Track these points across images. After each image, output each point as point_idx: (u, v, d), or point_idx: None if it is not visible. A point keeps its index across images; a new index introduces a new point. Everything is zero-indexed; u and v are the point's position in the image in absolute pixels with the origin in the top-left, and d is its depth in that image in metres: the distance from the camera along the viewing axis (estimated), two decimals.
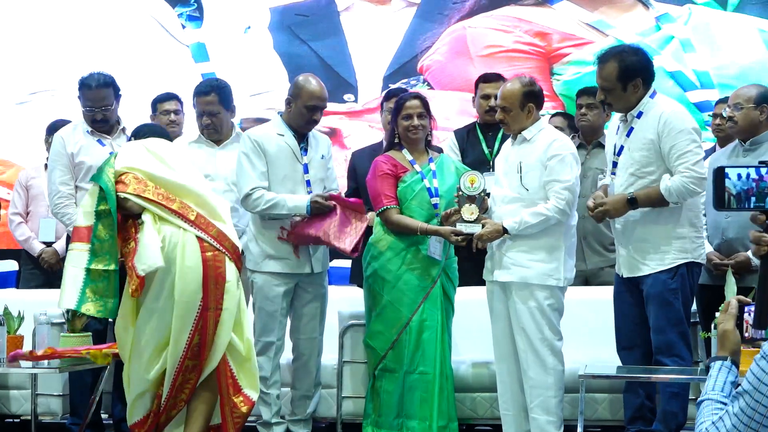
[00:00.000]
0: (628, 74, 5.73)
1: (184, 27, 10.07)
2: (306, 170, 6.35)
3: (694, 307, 6.12)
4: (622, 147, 5.83)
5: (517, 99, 5.90)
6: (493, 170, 6.31)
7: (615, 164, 5.87)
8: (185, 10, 10.07)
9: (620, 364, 5.92)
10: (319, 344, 6.48)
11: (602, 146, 7.00)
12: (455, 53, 9.83)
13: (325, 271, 6.55)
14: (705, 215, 6.11)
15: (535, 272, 5.86)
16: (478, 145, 7.03)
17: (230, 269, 5.44)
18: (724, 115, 6.22)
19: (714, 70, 9.49)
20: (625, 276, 5.85)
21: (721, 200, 3.53)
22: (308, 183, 6.33)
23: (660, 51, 9.47)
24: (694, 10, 9.64)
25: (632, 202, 5.74)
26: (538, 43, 9.71)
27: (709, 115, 7.75)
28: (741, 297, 3.21)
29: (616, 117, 6.05)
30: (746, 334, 3.22)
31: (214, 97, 6.65)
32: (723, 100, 7.16)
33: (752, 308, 3.25)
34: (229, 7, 10.08)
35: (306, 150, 6.38)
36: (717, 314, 3.32)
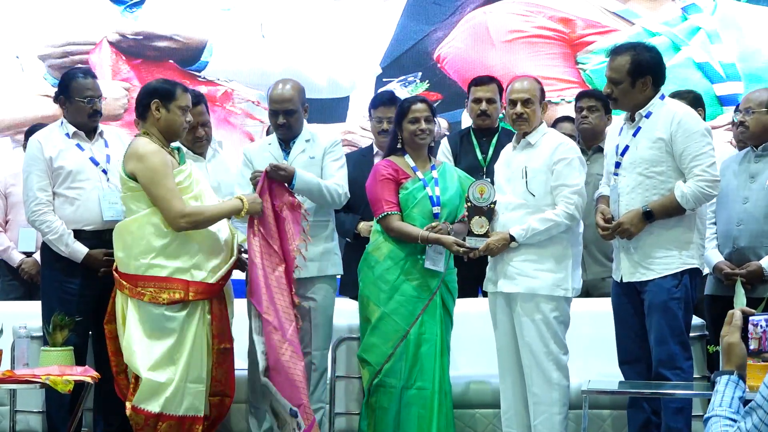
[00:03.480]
0: (639, 70, 5.61)
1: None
2: None
3: (698, 320, 6.05)
4: (627, 147, 5.67)
5: (538, 93, 5.84)
6: (487, 177, 6.19)
7: (618, 164, 5.70)
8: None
9: (623, 378, 5.74)
10: (314, 359, 6.15)
11: (603, 151, 6.77)
12: (475, 40, 9.67)
13: (324, 277, 6.19)
14: (715, 224, 6.02)
15: (542, 283, 5.70)
16: (471, 151, 6.81)
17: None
18: (735, 120, 6.11)
19: (740, 62, 9.40)
20: (625, 281, 5.68)
21: None
22: None
23: (687, 41, 9.39)
24: (720, 0, 9.50)
25: (649, 215, 5.55)
26: (561, 29, 9.57)
27: (734, 111, 7.51)
28: (745, 308, 3.15)
29: (617, 119, 5.90)
30: (751, 347, 3.15)
31: (203, 107, 6.42)
32: None
33: (761, 319, 3.17)
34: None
35: (287, 155, 6.20)
36: None
